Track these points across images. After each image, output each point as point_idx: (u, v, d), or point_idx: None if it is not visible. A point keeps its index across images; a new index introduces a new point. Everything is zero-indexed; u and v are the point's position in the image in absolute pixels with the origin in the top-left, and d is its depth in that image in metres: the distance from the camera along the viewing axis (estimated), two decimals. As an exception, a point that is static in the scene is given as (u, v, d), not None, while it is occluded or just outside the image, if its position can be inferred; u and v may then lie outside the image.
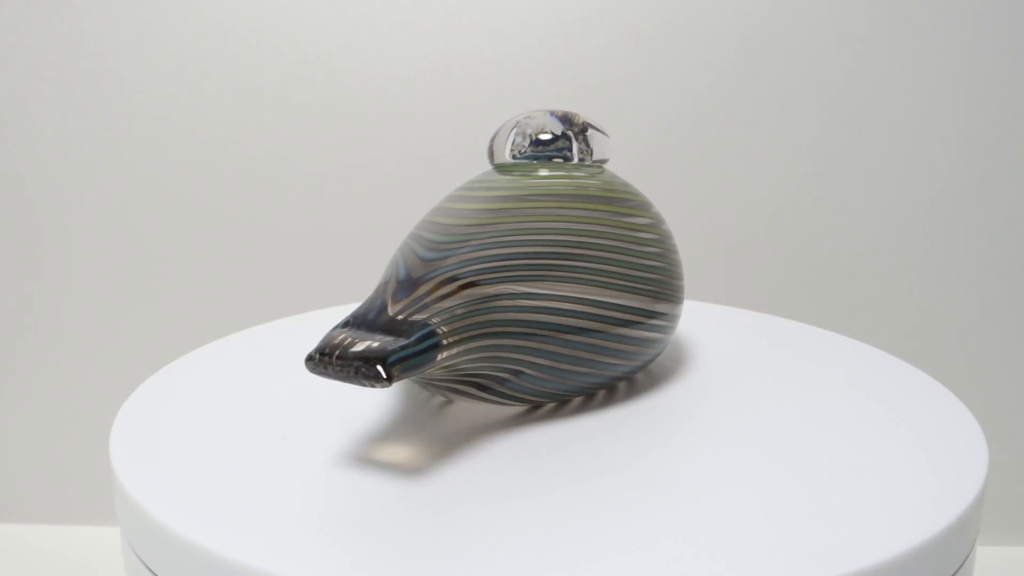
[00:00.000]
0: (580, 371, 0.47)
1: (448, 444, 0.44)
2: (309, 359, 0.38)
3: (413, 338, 0.38)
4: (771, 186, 0.93)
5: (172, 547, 0.36)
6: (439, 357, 0.39)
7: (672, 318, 0.51)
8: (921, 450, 0.44)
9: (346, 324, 0.40)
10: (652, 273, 0.49)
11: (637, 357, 0.49)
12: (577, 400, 0.49)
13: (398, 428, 0.46)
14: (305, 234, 0.95)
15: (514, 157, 0.51)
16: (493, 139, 0.52)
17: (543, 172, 0.50)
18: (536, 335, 0.43)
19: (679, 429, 0.46)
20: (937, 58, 0.90)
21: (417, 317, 0.39)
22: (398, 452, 0.43)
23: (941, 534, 0.36)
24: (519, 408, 0.48)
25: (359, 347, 0.37)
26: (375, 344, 0.37)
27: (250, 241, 0.95)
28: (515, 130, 0.52)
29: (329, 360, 0.37)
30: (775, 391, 0.51)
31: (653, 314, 0.49)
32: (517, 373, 0.44)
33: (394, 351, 0.37)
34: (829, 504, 0.38)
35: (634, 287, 0.47)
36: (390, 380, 0.36)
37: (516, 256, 0.44)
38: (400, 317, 0.39)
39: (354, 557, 0.34)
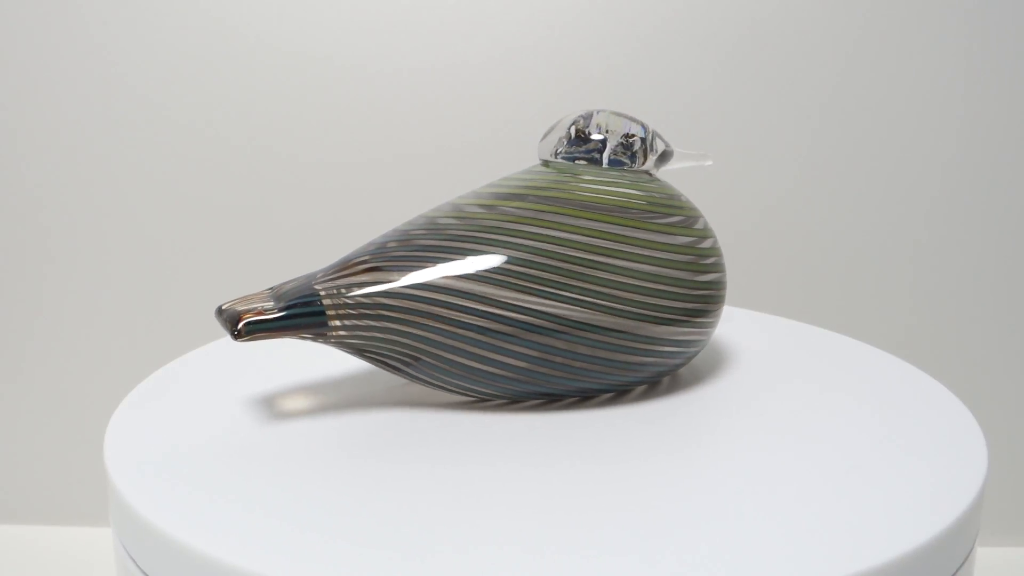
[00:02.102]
0: (499, 373, 0.46)
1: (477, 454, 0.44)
2: (217, 311, 0.45)
3: (284, 303, 0.44)
4: (770, 184, 0.93)
5: (164, 549, 0.36)
6: (331, 324, 0.44)
7: (654, 340, 0.48)
8: (920, 450, 0.44)
9: (268, 288, 0.46)
10: (623, 291, 0.46)
11: (591, 374, 0.47)
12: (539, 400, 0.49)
13: (394, 425, 0.46)
14: (305, 235, 0.95)
15: (554, 155, 0.51)
16: (545, 135, 0.52)
17: (576, 174, 0.49)
18: (433, 327, 0.45)
19: (673, 427, 0.46)
20: (939, 56, 0.90)
21: (316, 288, 0.45)
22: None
23: (940, 535, 0.36)
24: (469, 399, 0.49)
25: (241, 307, 0.44)
26: (246, 306, 0.44)
27: (249, 241, 0.95)
28: (562, 128, 0.51)
29: (220, 314, 0.44)
30: (772, 390, 0.51)
31: (605, 331, 0.46)
32: (416, 359, 0.46)
33: (248, 311, 0.43)
34: (827, 505, 0.38)
35: (581, 299, 0.46)
36: (237, 336, 0.43)
37: (444, 250, 0.46)
38: (310, 287, 0.45)
39: (346, 559, 0.34)
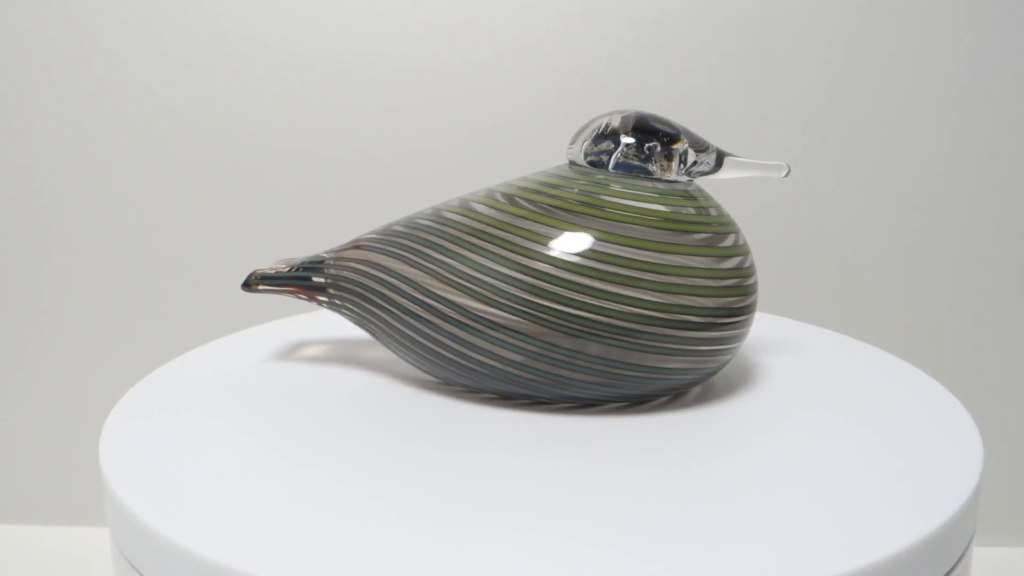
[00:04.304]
0: (430, 359, 0.47)
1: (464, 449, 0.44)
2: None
3: (296, 265, 0.51)
4: (769, 183, 0.93)
5: (161, 550, 0.36)
6: (329, 292, 0.50)
7: (641, 368, 0.45)
8: (917, 448, 0.44)
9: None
10: (608, 317, 0.43)
11: (549, 389, 0.46)
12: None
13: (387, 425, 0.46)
14: (308, 233, 0.95)
15: (582, 157, 0.48)
16: (575, 136, 0.49)
17: (596, 181, 0.46)
18: (384, 308, 0.48)
19: (668, 426, 0.46)
20: (938, 54, 0.90)
21: (325, 256, 0.51)
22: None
23: (936, 532, 0.36)
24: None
25: (264, 268, 0.51)
26: (261, 267, 0.52)
27: (251, 241, 0.95)
28: (590, 128, 0.48)
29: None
30: (769, 388, 0.51)
31: (582, 355, 0.44)
32: (377, 331, 0.49)
33: (260, 271, 0.51)
34: (823, 501, 0.38)
35: (550, 320, 0.44)
36: (245, 287, 0.51)
37: (431, 245, 0.47)
38: (321, 255, 0.51)
39: (345, 561, 0.34)
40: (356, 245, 0.50)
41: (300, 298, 0.51)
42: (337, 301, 0.50)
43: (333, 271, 0.50)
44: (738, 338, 0.47)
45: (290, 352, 0.56)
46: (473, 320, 0.45)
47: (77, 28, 0.91)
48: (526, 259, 0.44)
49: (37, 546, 0.99)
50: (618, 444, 0.44)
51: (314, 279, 0.50)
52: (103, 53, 0.91)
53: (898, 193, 0.93)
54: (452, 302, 0.45)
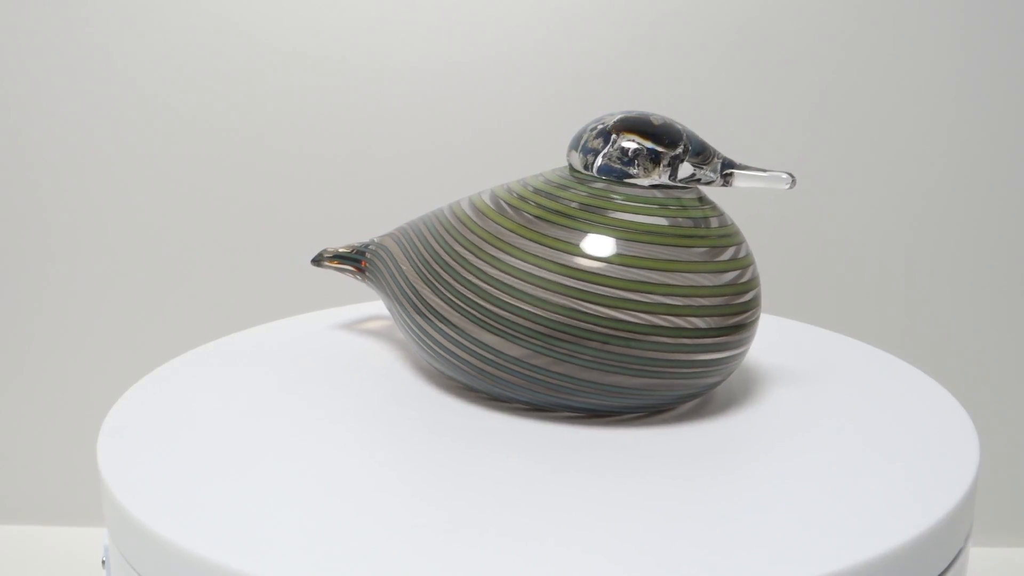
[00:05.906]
0: (424, 349, 0.48)
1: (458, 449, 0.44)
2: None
3: (352, 248, 0.56)
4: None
5: (157, 550, 0.36)
6: (366, 272, 0.54)
7: (625, 389, 0.43)
8: (913, 446, 0.44)
9: None
10: (510, 312, 0.43)
11: (512, 395, 0.45)
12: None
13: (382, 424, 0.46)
14: (309, 232, 0.95)
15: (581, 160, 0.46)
16: (574, 139, 0.47)
17: (594, 191, 0.44)
18: (389, 290, 0.51)
19: (665, 424, 0.46)
20: (936, 55, 0.90)
21: (374, 240, 0.55)
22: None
23: (932, 529, 0.36)
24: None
25: (331, 248, 0.57)
26: (327, 248, 0.57)
27: (251, 240, 0.95)
28: (585, 131, 0.46)
29: None
30: (765, 387, 0.51)
31: (486, 346, 0.44)
32: (392, 309, 0.51)
33: (327, 250, 0.56)
34: (820, 499, 0.38)
35: (464, 310, 0.44)
36: (315, 264, 0.56)
37: (417, 235, 0.50)
38: (371, 239, 0.56)
39: (343, 562, 0.34)
40: (389, 233, 0.53)
41: (356, 278, 0.56)
42: (370, 282, 0.54)
43: (369, 256, 0.54)
44: (736, 358, 0.45)
45: (288, 351, 0.56)
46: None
47: (77, 28, 0.91)
48: (507, 276, 0.43)
49: (37, 546, 0.99)
50: (611, 445, 0.44)
51: (362, 262, 0.55)
52: (103, 53, 0.91)
53: (898, 193, 0.93)
54: (430, 304, 0.46)
